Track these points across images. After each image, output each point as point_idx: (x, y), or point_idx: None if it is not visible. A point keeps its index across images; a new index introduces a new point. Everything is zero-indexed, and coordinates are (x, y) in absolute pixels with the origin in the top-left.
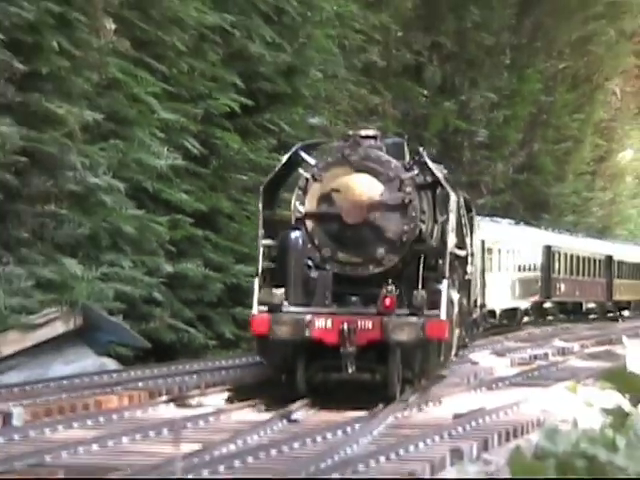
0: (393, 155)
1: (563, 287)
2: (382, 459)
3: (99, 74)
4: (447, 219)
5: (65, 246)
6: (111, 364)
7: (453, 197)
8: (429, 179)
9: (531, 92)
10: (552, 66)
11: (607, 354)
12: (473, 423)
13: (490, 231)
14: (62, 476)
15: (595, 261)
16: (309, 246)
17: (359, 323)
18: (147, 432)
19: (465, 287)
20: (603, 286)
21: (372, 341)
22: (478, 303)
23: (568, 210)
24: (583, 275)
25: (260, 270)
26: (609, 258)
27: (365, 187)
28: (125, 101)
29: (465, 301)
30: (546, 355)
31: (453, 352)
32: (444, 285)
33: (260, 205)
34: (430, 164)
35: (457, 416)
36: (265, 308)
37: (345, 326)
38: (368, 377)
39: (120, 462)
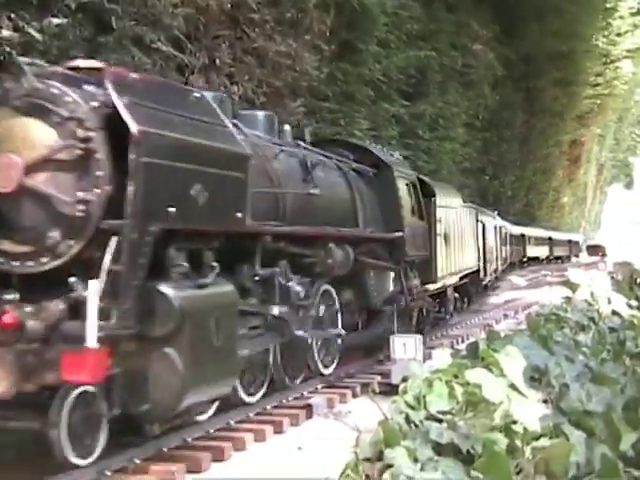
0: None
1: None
2: (475, 319)
3: None
4: (126, 182)
5: None
6: None
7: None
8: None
9: (528, 177)
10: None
11: (562, 275)
12: (511, 303)
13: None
14: None
15: (517, 237)
16: None
17: None
18: None
19: (419, 266)
20: (520, 250)
21: None
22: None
23: (544, 221)
24: (511, 245)
25: None
26: (523, 235)
27: (25, 137)
28: None
29: (415, 282)
30: (538, 277)
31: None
32: (92, 288)
33: None
34: (117, 102)
35: (505, 301)
36: None
37: None
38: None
39: None
